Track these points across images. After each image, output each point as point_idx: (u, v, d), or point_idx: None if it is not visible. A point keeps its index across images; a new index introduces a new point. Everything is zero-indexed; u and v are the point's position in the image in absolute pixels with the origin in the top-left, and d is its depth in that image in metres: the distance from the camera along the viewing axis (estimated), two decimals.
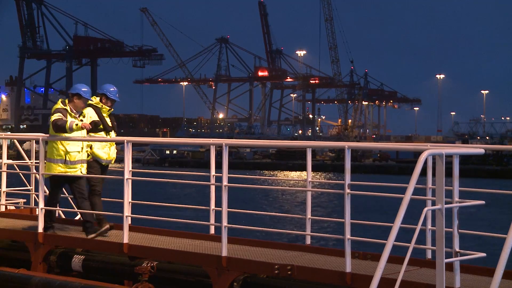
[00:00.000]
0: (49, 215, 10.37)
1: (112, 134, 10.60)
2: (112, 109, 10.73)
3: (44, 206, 10.24)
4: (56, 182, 10.39)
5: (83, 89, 10.37)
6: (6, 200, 12.36)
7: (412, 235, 6.35)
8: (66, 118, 10.15)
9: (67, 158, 10.13)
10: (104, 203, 10.94)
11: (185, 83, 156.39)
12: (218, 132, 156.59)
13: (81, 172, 10.28)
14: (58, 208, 10.77)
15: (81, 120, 10.28)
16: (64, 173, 10.18)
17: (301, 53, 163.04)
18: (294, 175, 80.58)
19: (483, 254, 6.73)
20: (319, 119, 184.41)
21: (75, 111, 10.35)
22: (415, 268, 7.91)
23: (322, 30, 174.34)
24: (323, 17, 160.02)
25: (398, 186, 8.40)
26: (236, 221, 9.03)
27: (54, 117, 10.14)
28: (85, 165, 10.35)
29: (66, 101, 10.42)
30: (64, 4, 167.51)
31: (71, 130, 10.00)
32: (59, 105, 10.38)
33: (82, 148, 10.28)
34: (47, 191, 10.96)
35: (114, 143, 10.54)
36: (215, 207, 9.56)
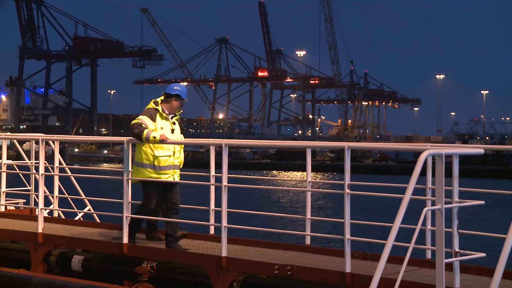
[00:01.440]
0: (134, 224, 9.49)
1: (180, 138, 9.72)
2: (182, 110, 9.83)
3: (135, 213, 9.45)
4: (151, 189, 9.47)
5: (176, 88, 9.52)
6: (6, 200, 12.36)
7: (412, 235, 6.34)
8: (155, 121, 9.35)
9: (156, 163, 9.33)
10: (104, 203, 10.94)
11: (185, 84, 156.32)
12: (218, 133, 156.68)
13: (174, 179, 9.49)
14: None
15: (174, 123, 9.49)
16: (155, 179, 9.36)
17: (301, 53, 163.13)
18: (294, 175, 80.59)
19: (483, 254, 6.72)
20: (319, 119, 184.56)
21: (167, 112, 9.46)
22: (415, 268, 7.91)
23: (322, 30, 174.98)
24: (323, 17, 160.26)
25: (398, 186, 8.39)
26: (236, 221, 9.04)
27: (134, 121, 9.32)
28: (178, 171, 9.57)
29: (159, 100, 9.53)
30: (64, 5, 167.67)
31: (147, 141, 9.16)
32: (151, 105, 9.49)
33: (174, 152, 9.47)
34: (46, 191, 10.95)
35: (182, 146, 9.76)
36: (215, 207, 9.55)
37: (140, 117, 9.35)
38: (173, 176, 9.47)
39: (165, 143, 9.20)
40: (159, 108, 9.44)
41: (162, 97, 9.63)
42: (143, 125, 9.25)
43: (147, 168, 9.34)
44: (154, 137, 9.10)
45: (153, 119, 9.34)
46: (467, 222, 31.56)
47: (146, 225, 9.95)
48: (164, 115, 9.43)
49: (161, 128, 9.32)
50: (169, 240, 9.27)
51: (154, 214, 9.55)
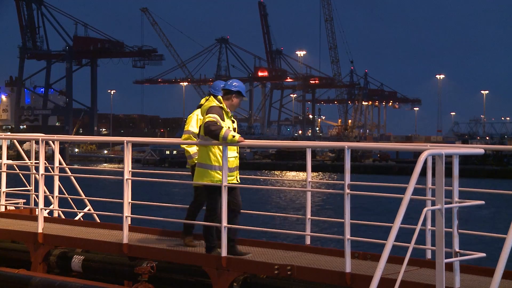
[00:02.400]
0: (210, 232, 8.83)
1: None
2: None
3: (206, 221, 8.78)
4: (218, 191, 8.71)
5: (236, 84, 8.98)
6: (6, 200, 12.36)
7: (412, 235, 6.34)
8: (224, 120, 8.75)
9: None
10: (104, 203, 10.94)
11: (185, 83, 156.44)
12: None
13: (237, 181, 8.97)
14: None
15: (233, 122, 8.94)
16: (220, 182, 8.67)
17: (301, 53, 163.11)
18: (294, 175, 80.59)
19: (483, 254, 6.73)
20: (319, 119, 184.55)
21: (228, 110, 8.93)
22: (415, 268, 7.91)
23: (322, 30, 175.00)
24: (323, 17, 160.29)
25: (398, 186, 8.39)
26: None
27: (209, 118, 8.62)
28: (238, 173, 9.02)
29: (220, 98, 8.92)
30: (64, 5, 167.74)
31: (225, 140, 8.45)
32: (214, 102, 8.86)
33: (238, 153, 8.97)
34: (46, 191, 10.95)
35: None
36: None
37: (212, 115, 8.66)
38: (237, 178, 8.98)
39: (242, 144, 8.61)
40: (223, 106, 8.88)
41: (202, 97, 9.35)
42: (218, 123, 8.61)
43: (216, 170, 8.74)
44: (234, 136, 8.44)
45: (222, 118, 8.75)
46: (467, 222, 31.55)
47: (183, 229, 9.51)
48: (229, 113, 8.92)
49: (228, 128, 8.74)
50: (230, 244, 8.67)
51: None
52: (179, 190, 51.26)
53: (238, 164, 8.98)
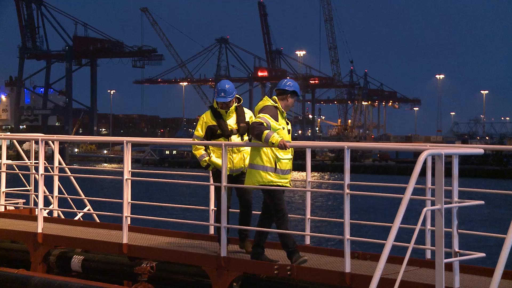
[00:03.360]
0: (289, 235, 8.47)
1: (234, 138, 9.11)
2: (229, 109, 9.09)
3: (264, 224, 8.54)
4: (277, 192, 8.52)
5: (290, 83, 8.65)
6: (5, 200, 12.36)
7: (412, 235, 6.35)
8: (278, 120, 8.42)
9: (278, 166, 8.50)
10: (104, 203, 10.94)
11: (185, 84, 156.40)
12: None
13: (290, 185, 8.69)
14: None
15: (287, 123, 8.62)
16: (276, 184, 8.49)
17: (301, 53, 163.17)
18: (293, 175, 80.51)
19: (483, 254, 6.73)
20: (319, 119, 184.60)
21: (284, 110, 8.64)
22: (414, 268, 7.91)
23: (322, 30, 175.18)
24: (323, 17, 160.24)
25: (397, 186, 8.40)
26: (236, 221, 9.03)
27: (256, 119, 8.38)
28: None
29: (276, 98, 8.58)
30: (63, 5, 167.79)
31: (266, 142, 8.27)
32: (269, 101, 8.54)
33: (293, 155, 8.73)
34: (46, 191, 10.94)
35: (240, 148, 9.04)
36: (214, 207, 9.57)
37: (261, 115, 8.40)
38: (290, 181, 8.71)
39: (283, 148, 8.37)
40: (278, 105, 8.56)
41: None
42: (265, 124, 8.32)
43: (269, 172, 8.45)
44: (273, 143, 8.25)
45: (276, 118, 8.44)
46: (467, 222, 31.56)
47: (238, 235, 9.15)
48: (284, 113, 8.63)
49: (283, 128, 8.52)
50: (259, 251, 8.54)
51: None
52: (179, 190, 51.26)
53: (291, 167, 8.74)
